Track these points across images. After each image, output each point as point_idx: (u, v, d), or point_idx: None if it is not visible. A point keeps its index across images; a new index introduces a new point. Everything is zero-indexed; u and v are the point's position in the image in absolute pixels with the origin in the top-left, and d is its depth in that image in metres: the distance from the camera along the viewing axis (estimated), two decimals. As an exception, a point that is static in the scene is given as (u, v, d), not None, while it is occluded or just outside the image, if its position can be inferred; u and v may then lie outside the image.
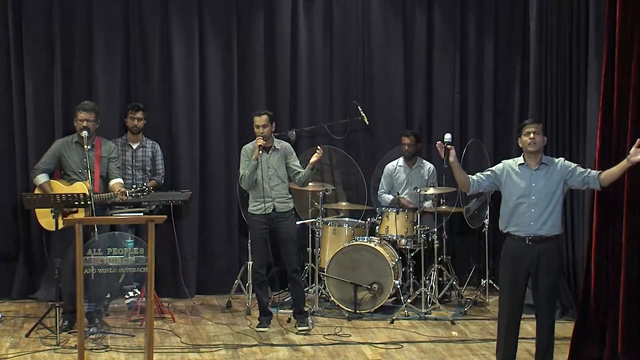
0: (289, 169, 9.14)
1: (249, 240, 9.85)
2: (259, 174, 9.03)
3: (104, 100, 10.21)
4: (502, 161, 7.36)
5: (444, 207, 10.30)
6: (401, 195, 10.44)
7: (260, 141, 8.95)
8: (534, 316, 7.35)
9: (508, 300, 7.22)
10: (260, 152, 8.94)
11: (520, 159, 7.23)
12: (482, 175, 7.29)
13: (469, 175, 7.27)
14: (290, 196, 9.22)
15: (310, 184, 9.64)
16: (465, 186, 7.28)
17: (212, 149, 10.80)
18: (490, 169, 7.34)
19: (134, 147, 10.07)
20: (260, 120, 9.03)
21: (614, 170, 7.05)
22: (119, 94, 10.49)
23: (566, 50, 9.66)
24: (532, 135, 7.11)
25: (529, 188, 7.09)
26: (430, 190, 10.05)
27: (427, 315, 9.60)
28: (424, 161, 10.76)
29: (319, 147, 9.01)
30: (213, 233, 10.86)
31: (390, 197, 10.59)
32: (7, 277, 10.32)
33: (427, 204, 10.36)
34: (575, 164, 7.22)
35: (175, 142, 10.62)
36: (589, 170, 7.19)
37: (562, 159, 7.28)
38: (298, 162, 9.19)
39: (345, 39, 11.19)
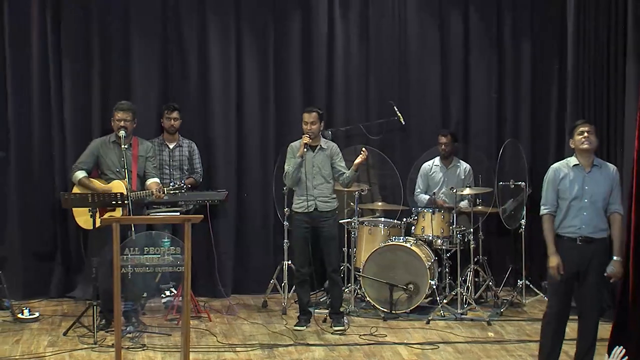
0: (334, 169, 9.11)
1: (285, 240, 9.87)
2: (303, 172, 9.04)
3: (142, 99, 10.26)
4: (551, 167, 7.29)
5: (480, 207, 10.26)
6: (437, 195, 10.42)
7: (306, 139, 8.95)
8: (572, 317, 7.31)
9: (558, 301, 7.18)
10: (305, 150, 8.95)
11: (574, 160, 7.16)
12: (552, 200, 7.17)
13: (545, 213, 7.17)
14: (334, 196, 9.18)
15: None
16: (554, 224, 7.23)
17: (248, 149, 10.82)
18: (548, 187, 7.20)
19: (171, 147, 10.12)
20: (309, 117, 9.03)
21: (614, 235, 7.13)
22: (156, 94, 10.55)
23: (604, 50, 9.59)
24: (585, 134, 7.06)
25: (582, 190, 7.04)
26: (467, 190, 10.01)
27: (463, 316, 9.56)
28: (460, 161, 10.72)
29: (363, 149, 8.99)
30: (249, 233, 10.89)
31: (427, 197, 10.56)
32: (45, 276, 10.39)
33: (463, 204, 10.32)
34: (619, 185, 7.18)
35: (212, 142, 10.67)
36: (617, 203, 7.14)
37: (615, 167, 7.23)
38: (344, 163, 9.14)
39: (382, 39, 11.18)
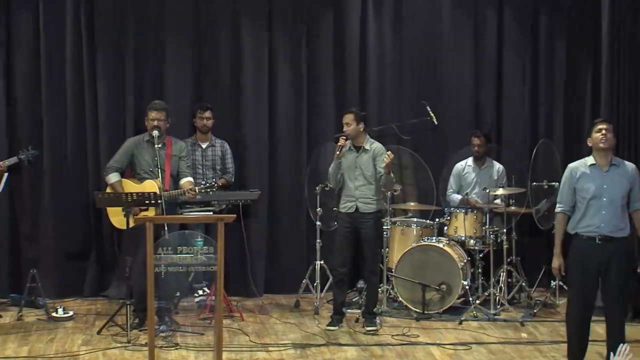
0: (376, 170, 9.05)
1: (318, 240, 9.88)
2: (346, 173, 9.05)
3: (175, 99, 10.31)
4: (568, 166, 7.29)
5: (513, 207, 10.22)
6: (470, 196, 10.37)
7: (341, 140, 8.95)
8: (604, 318, 7.29)
9: (579, 301, 7.16)
10: (338, 151, 8.95)
11: (591, 159, 7.15)
12: (566, 198, 7.21)
13: (559, 211, 7.26)
14: (376, 197, 9.10)
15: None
16: (567, 224, 7.27)
17: (280, 148, 10.84)
18: (564, 186, 7.23)
19: (204, 146, 10.15)
20: (345, 118, 9.06)
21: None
22: (189, 94, 10.59)
23: (639, 51, 9.52)
24: (603, 131, 7.04)
25: (601, 189, 7.03)
26: (500, 191, 9.97)
27: (496, 317, 9.53)
28: (493, 161, 10.67)
29: (388, 152, 8.94)
30: (281, 232, 10.90)
31: (459, 197, 10.52)
32: (79, 275, 10.46)
33: (497, 202, 10.26)
34: (639, 183, 7.16)
35: (244, 141, 10.68)
36: (639, 201, 7.14)
37: (634, 165, 7.20)
38: None
39: (415, 39, 11.14)
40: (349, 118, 9.03)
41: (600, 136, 7.05)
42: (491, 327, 9.23)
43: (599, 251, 7.01)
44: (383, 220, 9.78)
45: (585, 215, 7.09)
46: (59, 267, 10.34)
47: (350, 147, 9.08)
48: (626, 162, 7.22)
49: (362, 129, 9.09)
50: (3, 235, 10.29)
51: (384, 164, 8.82)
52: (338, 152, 8.96)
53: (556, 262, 7.22)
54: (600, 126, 7.10)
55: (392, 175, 9.01)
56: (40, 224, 10.34)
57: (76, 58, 10.30)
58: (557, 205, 7.29)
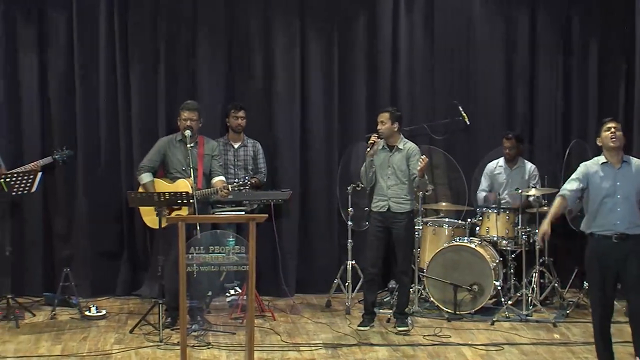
0: (410, 171, 9.01)
1: (349, 240, 9.87)
2: (378, 172, 9.04)
3: (207, 99, 10.35)
4: (581, 164, 7.28)
5: (545, 208, 10.16)
6: (501, 196, 10.32)
7: (372, 138, 8.95)
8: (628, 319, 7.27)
9: (600, 301, 7.14)
10: (368, 149, 8.94)
11: (602, 158, 7.15)
12: (571, 187, 7.19)
13: (560, 194, 7.26)
14: (408, 197, 9.05)
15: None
16: (564, 208, 7.26)
17: (312, 148, 10.85)
18: (574, 178, 7.22)
19: (236, 146, 10.18)
20: (381, 116, 9.05)
21: None
22: (221, 95, 10.62)
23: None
24: (612, 129, 7.06)
25: (614, 187, 7.02)
26: (532, 191, 9.92)
27: (528, 317, 9.49)
28: (525, 161, 10.62)
29: (423, 156, 8.89)
30: (313, 232, 10.91)
31: (484, 193, 10.49)
32: (111, 274, 10.52)
33: (532, 199, 10.19)
34: None
35: (276, 141, 10.70)
36: None
37: None
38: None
39: (447, 39, 11.10)
40: (384, 117, 9.02)
41: (610, 134, 7.06)
42: (523, 328, 9.19)
43: (616, 250, 6.98)
44: (415, 220, 9.77)
45: (600, 214, 7.06)
46: (92, 266, 10.41)
47: (383, 146, 9.07)
48: (635, 159, 7.20)
49: (396, 129, 9.06)
50: (37, 234, 10.38)
51: (419, 168, 8.78)
52: (369, 150, 8.96)
53: (542, 228, 7.17)
54: (609, 125, 7.12)
55: (425, 177, 8.99)
56: (73, 223, 10.43)
57: (110, 59, 10.37)
58: (561, 189, 7.29)
